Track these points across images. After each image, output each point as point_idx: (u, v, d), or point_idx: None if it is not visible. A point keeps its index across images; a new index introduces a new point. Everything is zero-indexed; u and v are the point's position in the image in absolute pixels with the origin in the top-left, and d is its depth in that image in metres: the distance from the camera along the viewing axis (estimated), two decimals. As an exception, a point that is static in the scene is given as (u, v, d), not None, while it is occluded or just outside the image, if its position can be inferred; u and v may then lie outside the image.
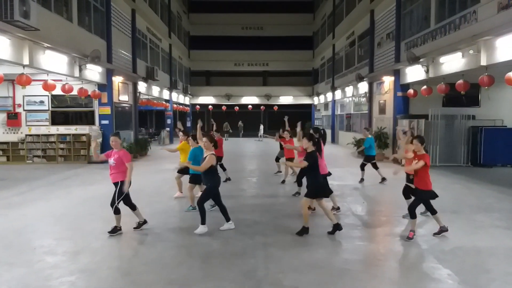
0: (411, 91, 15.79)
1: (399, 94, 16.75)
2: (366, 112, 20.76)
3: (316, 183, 6.43)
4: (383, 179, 11.23)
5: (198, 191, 8.34)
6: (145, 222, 6.81)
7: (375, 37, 19.91)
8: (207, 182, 6.62)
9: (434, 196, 6.24)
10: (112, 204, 6.35)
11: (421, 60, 14.05)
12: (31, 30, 10.08)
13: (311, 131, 8.05)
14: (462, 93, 12.49)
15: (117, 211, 6.38)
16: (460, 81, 12.29)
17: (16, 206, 8.54)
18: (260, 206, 8.70)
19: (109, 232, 6.38)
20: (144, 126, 32.55)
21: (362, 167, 11.53)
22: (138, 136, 20.00)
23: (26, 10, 9.40)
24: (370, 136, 11.70)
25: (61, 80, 13.80)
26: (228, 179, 11.59)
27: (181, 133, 9.52)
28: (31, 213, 7.96)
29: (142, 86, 21.05)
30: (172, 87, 28.71)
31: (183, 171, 9.01)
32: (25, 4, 9.36)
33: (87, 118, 16.39)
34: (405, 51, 15.90)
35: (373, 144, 11.50)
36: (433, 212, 6.39)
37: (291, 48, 38.23)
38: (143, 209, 8.14)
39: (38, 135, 15.99)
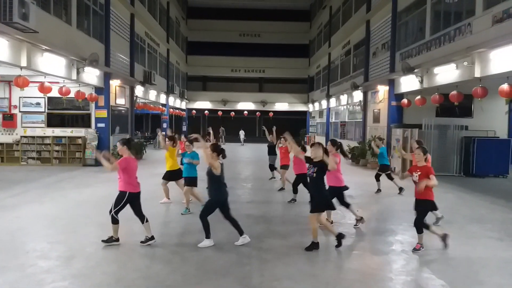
0: (405, 100, 15.95)
1: (393, 103, 16.92)
2: (361, 120, 20.89)
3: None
4: (400, 189, 10.90)
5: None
6: (152, 238, 6.25)
7: (370, 46, 20.11)
8: (211, 194, 6.21)
9: None
10: (110, 211, 6.11)
11: (415, 70, 14.22)
12: (29, 32, 10.10)
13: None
14: (456, 103, 12.66)
15: (113, 220, 6.09)
16: (454, 92, 12.45)
17: (9, 208, 8.50)
18: (255, 212, 8.72)
19: (103, 241, 6.17)
20: (140, 130, 32.54)
21: (377, 177, 11.09)
22: (134, 140, 19.96)
23: (25, 12, 9.43)
24: (383, 145, 11.30)
25: (58, 83, 13.80)
26: None
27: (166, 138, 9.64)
28: (24, 216, 7.92)
29: (139, 90, 21.07)
30: (169, 91, 28.79)
31: (168, 177, 9.22)
32: (24, 7, 9.39)
33: (83, 121, 16.38)
34: (400, 61, 16.07)
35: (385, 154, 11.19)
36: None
37: (287, 55, 38.54)
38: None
39: (33, 137, 15.94)
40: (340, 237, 6.25)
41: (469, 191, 11.82)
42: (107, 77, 16.25)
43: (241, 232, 6.29)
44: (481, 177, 14.65)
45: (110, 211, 6.08)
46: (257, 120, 40.01)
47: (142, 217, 6.20)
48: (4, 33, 9.45)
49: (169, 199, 9.37)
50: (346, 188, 7.53)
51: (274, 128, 13.09)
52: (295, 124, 38.73)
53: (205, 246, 6.14)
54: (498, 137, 15.76)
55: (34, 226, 7.21)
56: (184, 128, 36.36)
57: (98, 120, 16.25)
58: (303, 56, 38.75)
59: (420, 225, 6.10)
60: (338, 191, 7.35)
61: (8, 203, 9.04)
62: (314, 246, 6.12)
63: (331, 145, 7.49)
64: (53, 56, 12.07)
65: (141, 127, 34.61)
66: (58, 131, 16.22)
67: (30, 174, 13.31)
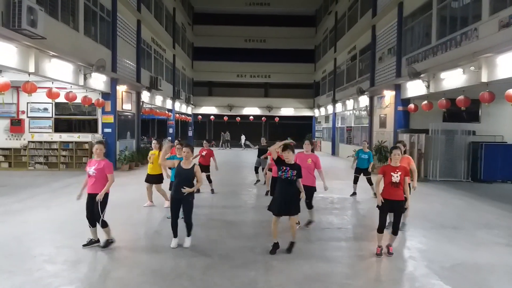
0: (411, 105, 15.90)
1: (400, 108, 16.87)
2: (367, 125, 20.84)
3: None
4: (354, 193, 11.33)
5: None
6: (98, 241, 6.31)
7: (376, 52, 20.10)
8: (188, 195, 6.25)
9: None
10: (98, 218, 6.06)
11: (422, 75, 14.18)
12: (37, 39, 10.21)
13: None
14: (463, 108, 12.59)
15: (104, 224, 6.09)
16: (461, 97, 12.40)
17: (16, 213, 8.54)
18: (260, 217, 8.69)
19: (101, 247, 6.18)
20: (146, 135, 32.64)
21: (369, 182, 11.18)
22: (140, 145, 20.09)
23: (33, 19, 9.55)
24: (368, 150, 11.52)
25: (65, 88, 13.91)
26: (212, 191, 11.46)
27: (154, 142, 9.71)
28: (31, 221, 7.96)
29: (145, 96, 21.19)
30: (175, 97, 28.93)
31: (151, 180, 9.35)
32: (32, 13, 9.51)
33: (90, 126, 16.49)
34: (406, 66, 16.04)
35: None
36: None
37: (293, 61, 38.61)
38: (142, 217, 8.19)
39: (40, 142, 16.06)
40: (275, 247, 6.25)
41: (477, 197, 11.73)
42: (113, 82, 16.38)
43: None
44: (489, 182, 14.53)
45: (99, 217, 6.05)
46: (263, 125, 40.04)
47: (98, 220, 6.13)
48: (12, 39, 9.56)
49: (152, 202, 9.45)
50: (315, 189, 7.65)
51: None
52: (301, 129, 38.72)
53: (189, 245, 6.36)
54: (506, 142, 15.63)
55: (41, 231, 7.24)
56: (190, 133, 36.50)
57: (104, 125, 16.35)
58: (308, 61, 38.80)
59: (398, 228, 6.21)
60: (312, 191, 7.46)
61: (15, 208, 9.10)
62: (291, 246, 6.26)
63: (309, 144, 7.63)
64: (60, 62, 12.18)
65: (147, 132, 34.72)
66: (65, 136, 16.34)
67: (37, 179, 13.39)
